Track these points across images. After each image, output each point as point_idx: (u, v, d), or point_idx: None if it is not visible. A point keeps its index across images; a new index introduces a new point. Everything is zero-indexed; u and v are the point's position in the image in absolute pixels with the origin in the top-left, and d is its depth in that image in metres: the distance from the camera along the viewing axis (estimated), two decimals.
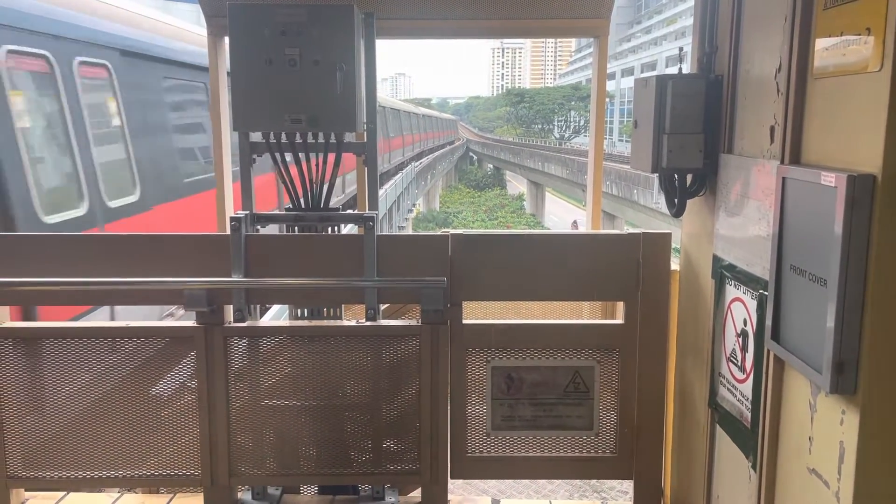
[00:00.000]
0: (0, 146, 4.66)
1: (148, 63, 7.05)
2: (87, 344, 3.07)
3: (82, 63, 5.76)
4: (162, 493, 3.45)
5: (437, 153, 55.31)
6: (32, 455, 3.12)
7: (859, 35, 1.82)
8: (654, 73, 4.92)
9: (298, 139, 3.21)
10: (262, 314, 3.35)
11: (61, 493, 3.38)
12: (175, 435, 3.13)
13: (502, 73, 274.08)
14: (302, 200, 3.27)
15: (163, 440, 3.13)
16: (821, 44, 2.02)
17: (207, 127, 7.20)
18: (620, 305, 3.24)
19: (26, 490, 3.33)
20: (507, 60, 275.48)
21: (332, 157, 3.23)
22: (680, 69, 2.80)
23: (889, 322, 1.78)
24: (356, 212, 3.40)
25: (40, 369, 3.08)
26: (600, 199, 4.15)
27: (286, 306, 3.78)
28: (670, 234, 3.15)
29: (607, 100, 5.44)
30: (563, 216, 58.83)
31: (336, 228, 3.30)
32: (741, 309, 2.54)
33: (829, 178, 1.85)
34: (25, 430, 3.11)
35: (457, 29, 4.08)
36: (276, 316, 6.18)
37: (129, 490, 3.45)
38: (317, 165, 3.24)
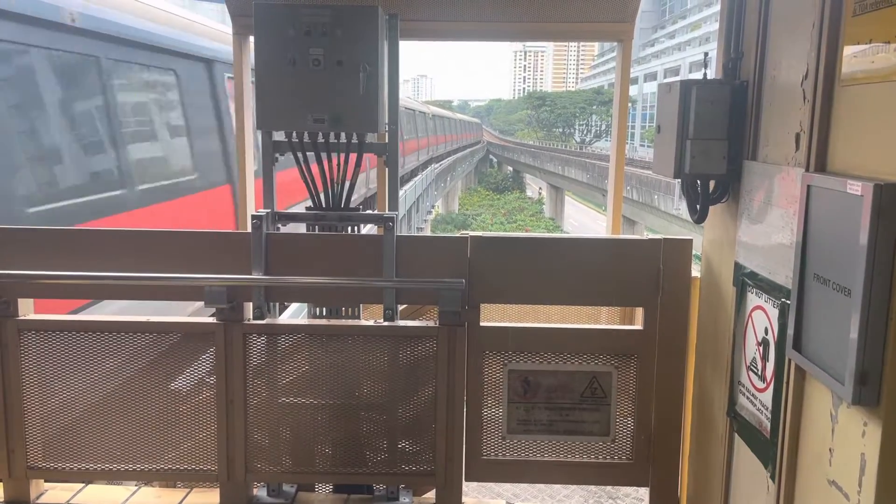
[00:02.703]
0: (227, 135, 7.54)
1: None
2: (107, 337, 3.11)
3: None
4: (179, 487, 3.48)
5: (459, 154, 59.70)
6: (52, 446, 3.17)
7: (888, 42, 1.79)
8: (678, 78, 4.87)
9: (321, 139, 3.23)
10: (280, 312, 3.36)
11: (80, 485, 3.42)
12: (192, 430, 3.16)
13: (524, 77, 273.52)
14: (323, 199, 3.29)
15: (180, 435, 3.16)
16: (849, 51, 1.99)
17: None
18: (639, 311, 3.22)
19: (45, 481, 3.38)
20: (529, 63, 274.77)
21: (353, 157, 3.25)
22: (705, 74, 2.78)
23: None
24: (376, 212, 3.41)
25: (61, 362, 3.12)
26: (621, 203, 4.12)
27: (304, 305, 3.80)
28: (691, 240, 3.12)
29: (629, 104, 5.40)
30: (583, 221, 58.59)
31: (356, 228, 3.32)
32: (762, 317, 2.51)
33: (855, 187, 1.83)
34: (46, 421, 3.15)
35: (481, 31, 4.08)
36: (293, 315, 6.22)
37: (146, 483, 3.49)
38: (338, 165, 3.26)
